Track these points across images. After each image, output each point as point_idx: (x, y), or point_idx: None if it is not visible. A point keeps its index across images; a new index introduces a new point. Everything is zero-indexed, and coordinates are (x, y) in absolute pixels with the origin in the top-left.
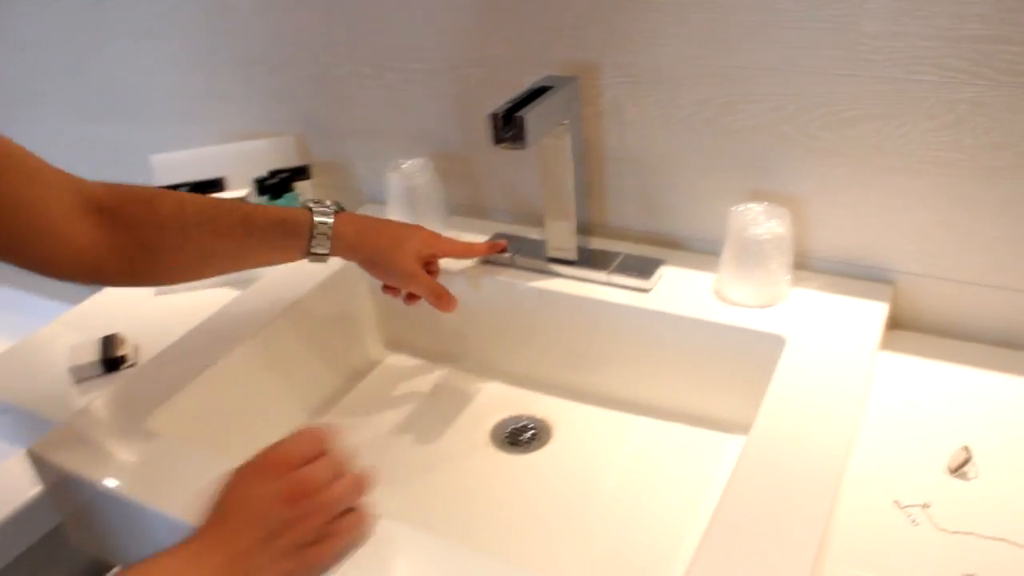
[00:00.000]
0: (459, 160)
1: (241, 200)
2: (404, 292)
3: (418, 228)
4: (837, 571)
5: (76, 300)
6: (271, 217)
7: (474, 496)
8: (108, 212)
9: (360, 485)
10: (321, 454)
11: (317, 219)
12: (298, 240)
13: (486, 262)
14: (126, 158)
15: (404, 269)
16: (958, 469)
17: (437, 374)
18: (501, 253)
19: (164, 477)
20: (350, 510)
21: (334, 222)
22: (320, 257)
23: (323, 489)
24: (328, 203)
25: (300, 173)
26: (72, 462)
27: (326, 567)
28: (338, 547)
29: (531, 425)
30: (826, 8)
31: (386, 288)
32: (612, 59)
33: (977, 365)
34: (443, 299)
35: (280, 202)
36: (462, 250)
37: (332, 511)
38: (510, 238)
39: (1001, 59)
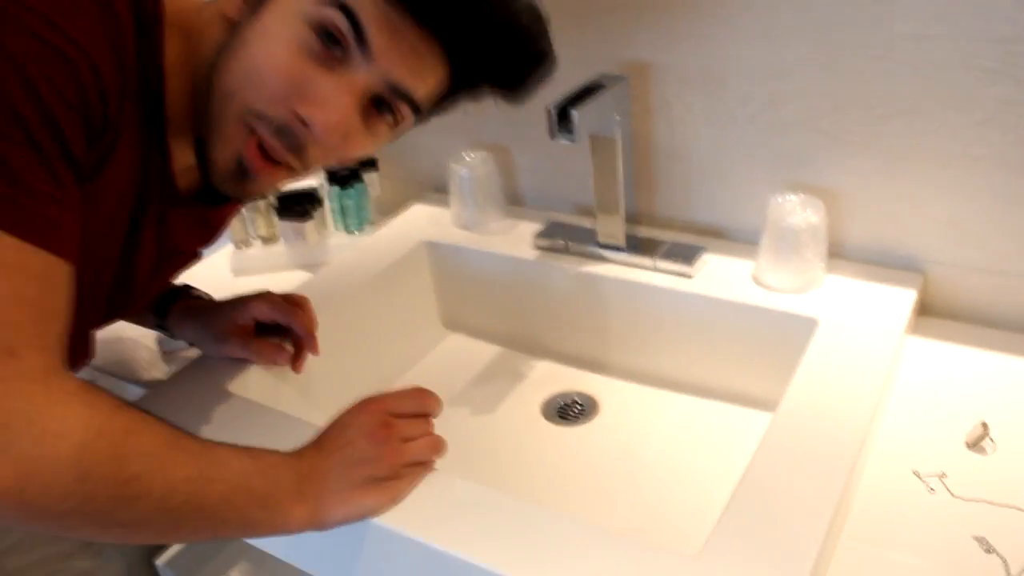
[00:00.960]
0: (517, 153)
1: None
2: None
3: (240, 298)
4: (857, 529)
5: None
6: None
7: (527, 463)
8: None
9: (437, 446)
10: (419, 413)
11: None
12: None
13: (539, 248)
14: None
15: (223, 350)
16: (975, 443)
17: (492, 352)
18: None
19: (249, 436)
20: (421, 464)
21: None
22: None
23: (404, 440)
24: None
25: (369, 164)
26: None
27: (386, 504)
28: (401, 489)
29: (579, 401)
30: (862, 11)
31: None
32: (660, 59)
33: (1001, 350)
34: (264, 357)
35: (350, 193)
36: (279, 316)
37: (405, 459)
38: (564, 226)
39: None
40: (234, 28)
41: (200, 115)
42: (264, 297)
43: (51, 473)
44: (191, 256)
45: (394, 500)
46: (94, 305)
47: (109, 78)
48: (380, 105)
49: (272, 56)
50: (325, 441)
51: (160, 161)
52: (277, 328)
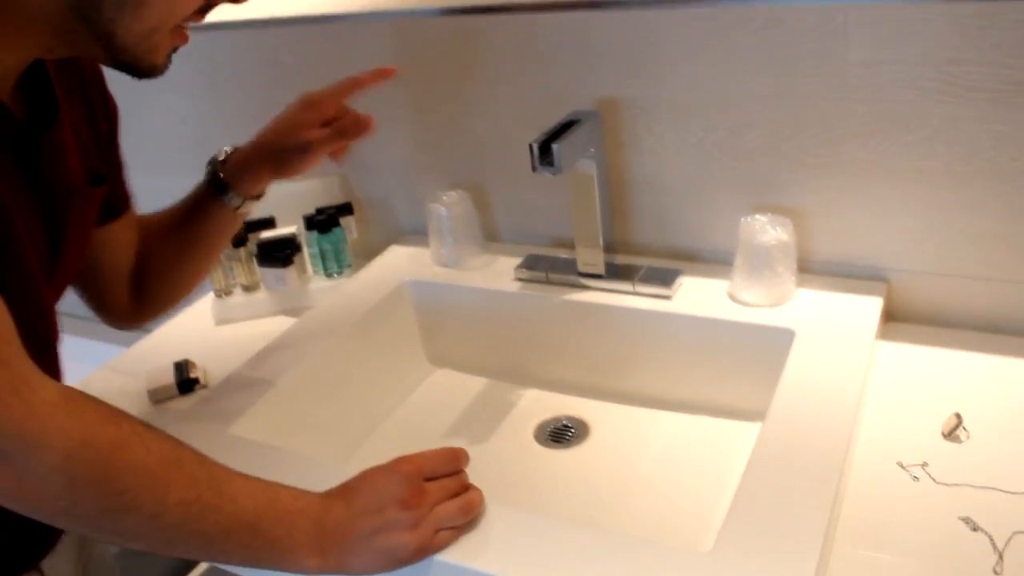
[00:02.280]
0: (492, 191)
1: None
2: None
3: (295, 104)
4: (853, 519)
5: (127, 343)
6: (194, 193)
7: (525, 487)
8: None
9: (469, 508)
10: (449, 473)
11: (208, 171)
12: (214, 200)
13: (520, 280)
14: None
15: (298, 145)
16: (951, 433)
17: (480, 384)
18: (388, 77)
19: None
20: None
21: (224, 161)
22: (233, 199)
23: (436, 505)
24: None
25: (345, 209)
26: None
27: (407, 563)
28: (427, 555)
29: (570, 425)
30: (816, 42)
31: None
32: (629, 94)
33: (964, 348)
34: (341, 151)
35: (328, 237)
36: (345, 87)
37: (435, 527)
38: (543, 258)
39: (966, 78)
40: None
41: (74, 45)
42: (307, 98)
43: (42, 478)
44: (89, 181)
45: (411, 562)
46: (29, 278)
47: None
48: None
49: None
50: (355, 499)
51: None
52: None
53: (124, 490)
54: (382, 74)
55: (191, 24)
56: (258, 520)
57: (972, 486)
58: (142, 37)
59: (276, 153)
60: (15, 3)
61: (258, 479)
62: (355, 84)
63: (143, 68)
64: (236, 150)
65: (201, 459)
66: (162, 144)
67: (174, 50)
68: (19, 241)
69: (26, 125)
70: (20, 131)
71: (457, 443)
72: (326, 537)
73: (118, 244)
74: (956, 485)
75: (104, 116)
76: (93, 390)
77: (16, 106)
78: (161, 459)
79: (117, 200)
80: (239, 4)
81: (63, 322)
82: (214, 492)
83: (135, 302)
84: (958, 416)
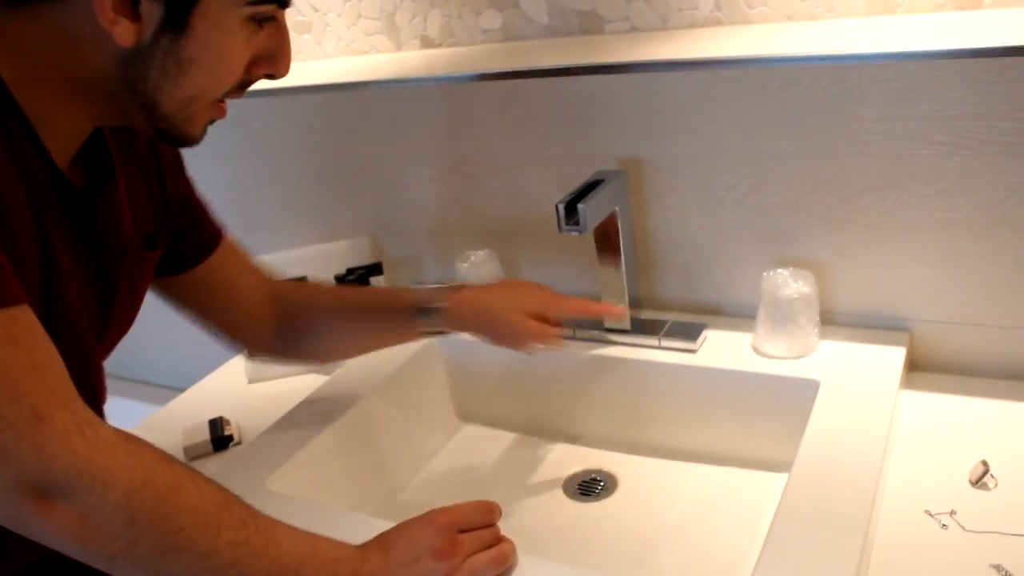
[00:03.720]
0: (519, 248)
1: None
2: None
3: (528, 289)
4: (881, 568)
5: (162, 402)
6: (384, 298)
7: (555, 540)
8: (280, 300)
9: (502, 560)
10: (483, 525)
11: (434, 304)
12: (404, 316)
13: None
14: None
15: (509, 330)
16: (978, 481)
17: (509, 439)
18: (615, 319)
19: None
20: None
21: (448, 304)
22: (435, 334)
23: (469, 556)
24: (445, 284)
25: (375, 269)
26: None
27: None
28: None
29: (599, 478)
30: (831, 100)
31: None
32: (652, 153)
33: (987, 396)
34: (546, 339)
35: None
36: (576, 307)
37: None
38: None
39: (980, 131)
40: (152, 49)
41: (119, 113)
42: (545, 299)
43: (105, 516)
44: (143, 245)
45: None
46: (81, 340)
47: None
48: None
49: (230, 62)
50: (392, 550)
51: (43, 168)
52: None
53: (180, 528)
54: (610, 312)
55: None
56: (300, 566)
57: (1002, 533)
58: (182, 105)
59: (491, 333)
60: (71, 71)
61: (298, 528)
62: (582, 309)
63: (180, 137)
64: (460, 291)
65: (246, 504)
66: None
67: (211, 122)
68: (72, 304)
69: (83, 190)
70: (77, 196)
71: (487, 497)
72: None
73: (227, 274)
74: (985, 532)
75: (158, 180)
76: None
77: (75, 173)
78: (213, 500)
79: (206, 235)
80: (276, 80)
81: None
82: (261, 536)
83: (282, 339)
84: (985, 464)
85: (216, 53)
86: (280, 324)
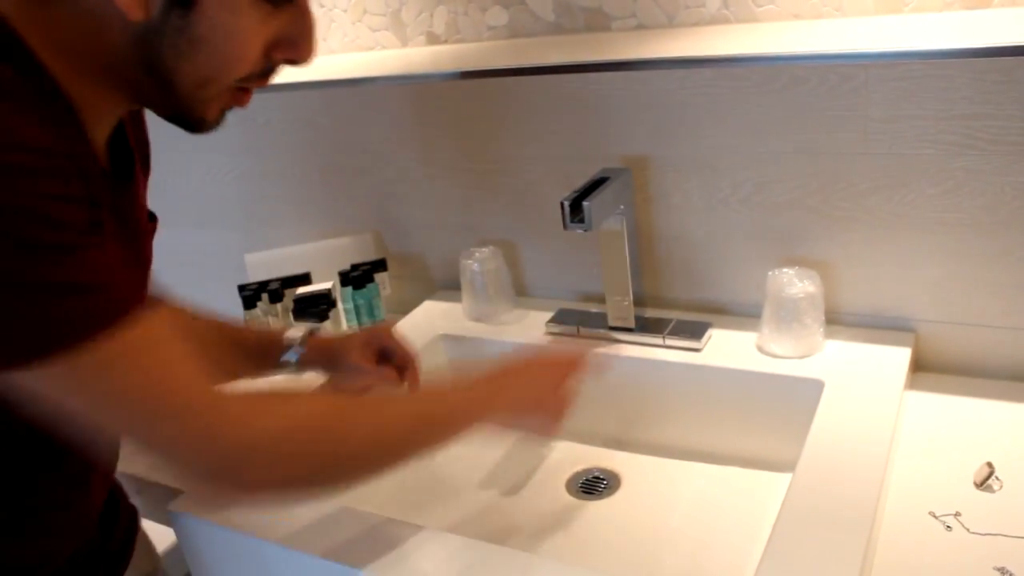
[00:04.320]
0: (522, 247)
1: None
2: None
3: (367, 330)
4: (885, 570)
5: None
6: (248, 336)
7: (558, 537)
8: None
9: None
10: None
11: (288, 339)
12: (271, 354)
13: (552, 334)
14: (222, 258)
15: (348, 365)
16: (983, 482)
17: (512, 436)
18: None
19: (288, 523)
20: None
21: (305, 349)
22: (289, 366)
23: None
24: (302, 329)
25: (379, 266)
26: (210, 516)
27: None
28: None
29: (602, 476)
30: (838, 100)
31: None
32: (658, 152)
33: (993, 397)
34: (391, 381)
35: (363, 292)
36: (400, 353)
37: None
38: (573, 312)
39: (987, 131)
40: (163, 27)
41: (140, 94)
42: (382, 332)
43: (289, 459)
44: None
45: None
46: None
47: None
48: None
49: (242, 43)
50: (510, 376)
51: (92, 158)
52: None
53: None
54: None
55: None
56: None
57: (1007, 536)
58: (197, 87)
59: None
60: (101, 57)
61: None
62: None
63: (194, 120)
64: (338, 345)
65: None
66: (203, 200)
67: (229, 109)
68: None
69: (114, 178)
70: (116, 185)
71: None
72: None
73: None
74: (990, 535)
75: (142, 159)
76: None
77: (106, 161)
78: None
79: None
80: (300, 67)
81: None
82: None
83: None
84: (990, 465)
85: (226, 33)
86: None
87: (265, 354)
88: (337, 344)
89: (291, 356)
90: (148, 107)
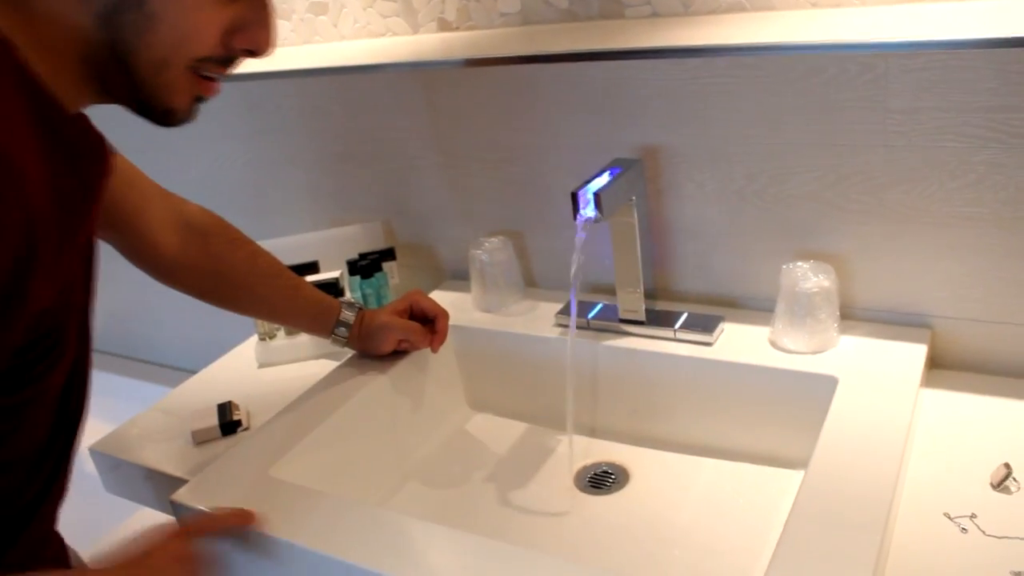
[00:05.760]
0: (531, 238)
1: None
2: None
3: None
4: (895, 572)
5: (174, 384)
6: (312, 296)
7: (565, 533)
8: (197, 233)
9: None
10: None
11: (343, 314)
12: (325, 323)
13: (561, 326)
14: None
15: (381, 324)
16: (1000, 484)
17: (521, 429)
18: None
19: (291, 517)
20: None
21: (354, 319)
22: (339, 342)
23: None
24: (355, 303)
25: (387, 255)
26: (211, 506)
27: None
28: None
29: (610, 471)
30: (857, 91)
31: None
32: (670, 141)
33: (1011, 396)
34: (421, 336)
35: (371, 282)
36: (430, 307)
37: None
38: (583, 304)
39: (1011, 124)
40: (121, 5)
41: (107, 83)
42: (413, 292)
43: None
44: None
45: None
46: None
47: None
48: None
49: (195, 21)
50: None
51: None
52: None
53: None
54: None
55: (220, 76)
56: None
57: None
58: (155, 69)
59: (371, 340)
60: (72, 41)
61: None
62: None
63: (162, 110)
64: (371, 315)
65: None
66: (213, 188)
67: (200, 100)
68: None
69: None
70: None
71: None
72: None
73: (121, 195)
74: (1007, 538)
75: None
76: (142, 430)
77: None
78: None
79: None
80: (260, 58)
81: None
82: None
83: (190, 272)
84: (1007, 466)
85: (180, 9)
86: (188, 256)
87: (320, 316)
88: (371, 314)
89: (342, 331)
90: (117, 100)
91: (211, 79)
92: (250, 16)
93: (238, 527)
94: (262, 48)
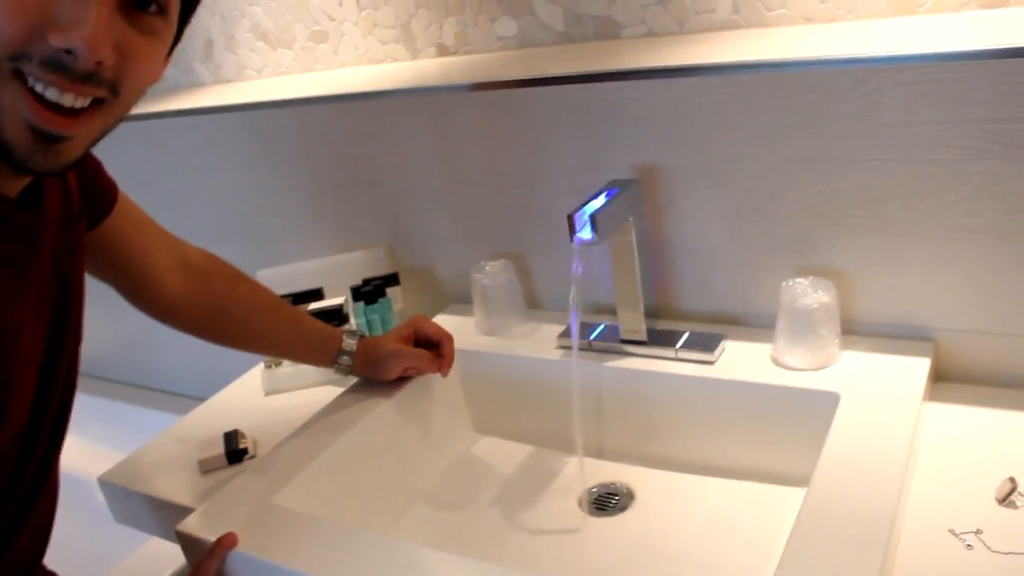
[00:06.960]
0: (534, 258)
1: (294, 305)
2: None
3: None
4: None
5: (182, 411)
6: (313, 327)
7: (571, 554)
8: (197, 273)
9: None
10: None
11: (346, 343)
12: (328, 353)
13: (563, 348)
14: None
15: (388, 352)
16: (1005, 499)
17: (525, 452)
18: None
19: (294, 546)
20: None
21: (356, 347)
22: (343, 370)
23: None
24: (356, 331)
25: (391, 280)
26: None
27: None
28: None
29: (615, 492)
30: (851, 106)
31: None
32: (667, 161)
33: (1016, 408)
34: (430, 363)
35: (375, 308)
36: (435, 332)
37: None
38: (585, 325)
39: (1006, 135)
40: None
41: None
42: (416, 317)
43: None
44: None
45: None
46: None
47: None
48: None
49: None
50: None
51: None
52: None
53: None
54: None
55: (60, 104)
56: None
57: None
58: None
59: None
60: None
61: None
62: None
63: None
64: (376, 342)
65: None
66: (216, 216)
67: (44, 136)
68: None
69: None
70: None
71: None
72: None
73: (124, 235)
74: (1013, 554)
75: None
76: (150, 459)
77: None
78: None
79: (102, 196)
80: (80, 61)
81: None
82: None
83: (191, 311)
84: (1012, 481)
85: None
86: (191, 295)
87: (322, 347)
88: (375, 341)
89: (345, 359)
90: None
91: (47, 105)
92: (62, 7)
93: (224, 548)
94: (77, 47)
